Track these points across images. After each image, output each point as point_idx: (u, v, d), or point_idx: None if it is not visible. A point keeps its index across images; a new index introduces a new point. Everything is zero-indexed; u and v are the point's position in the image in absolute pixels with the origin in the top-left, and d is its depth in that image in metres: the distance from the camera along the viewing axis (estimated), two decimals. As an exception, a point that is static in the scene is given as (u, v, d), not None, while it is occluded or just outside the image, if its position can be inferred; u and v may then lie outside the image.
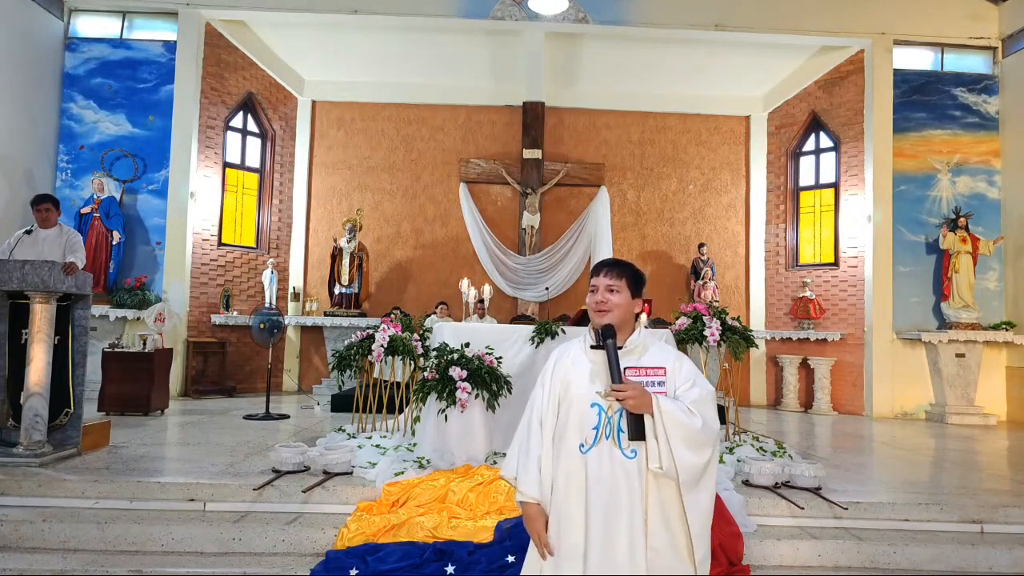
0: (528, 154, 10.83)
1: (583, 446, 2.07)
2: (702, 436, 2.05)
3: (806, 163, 10.82)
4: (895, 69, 9.74)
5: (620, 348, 2.13)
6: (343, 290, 10.25)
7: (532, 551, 2.18)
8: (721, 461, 4.91)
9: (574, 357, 2.21)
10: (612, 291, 2.17)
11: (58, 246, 5.41)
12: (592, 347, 2.16)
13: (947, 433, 7.93)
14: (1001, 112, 9.78)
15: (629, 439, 2.03)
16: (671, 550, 2.04)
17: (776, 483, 4.46)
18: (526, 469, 2.16)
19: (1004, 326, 9.19)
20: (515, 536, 3.64)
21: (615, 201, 11.08)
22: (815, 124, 10.63)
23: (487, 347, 5.20)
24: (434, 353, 5.22)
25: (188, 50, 9.48)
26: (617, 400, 2.03)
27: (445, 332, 5.58)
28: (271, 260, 10.35)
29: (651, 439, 2.02)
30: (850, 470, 5.36)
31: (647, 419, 2.03)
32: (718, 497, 3.94)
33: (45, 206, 5.47)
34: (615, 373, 2.04)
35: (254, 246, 10.60)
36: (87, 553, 3.71)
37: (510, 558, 3.48)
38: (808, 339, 10.09)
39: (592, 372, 2.14)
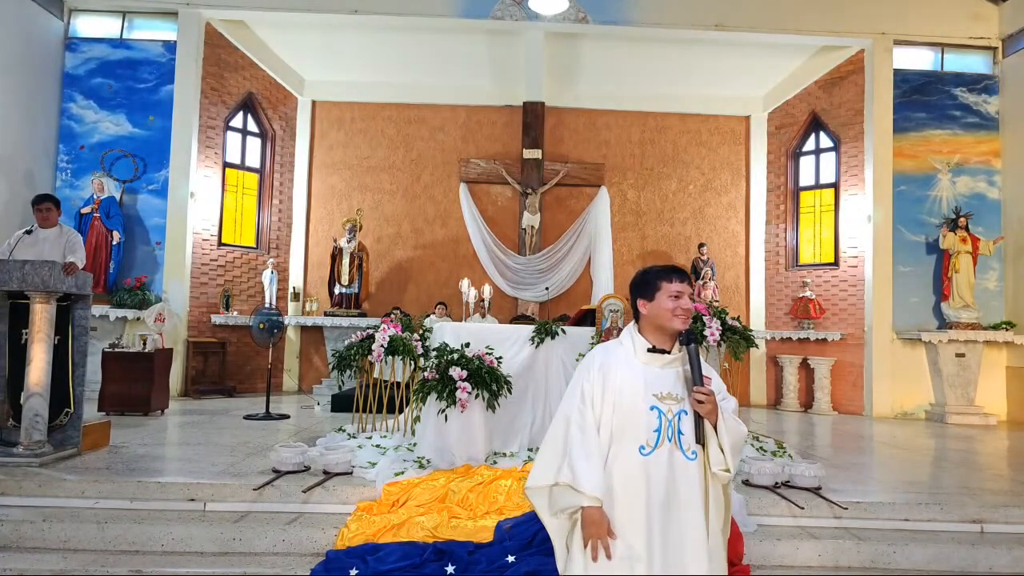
0: (528, 154, 10.83)
1: (643, 448, 2.10)
2: (742, 443, 2.22)
3: (806, 163, 10.81)
4: (895, 69, 9.73)
5: (667, 353, 2.20)
6: (343, 290, 10.25)
7: (576, 551, 2.13)
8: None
9: (625, 361, 2.21)
10: (691, 299, 2.25)
11: (58, 246, 5.40)
12: (649, 350, 2.20)
13: (947, 433, 7.92)
14: (1001, 112, 9.78)
15: (696, 442, 2.10)
16: (721, 548, 2.16)
17: (776, 483, 4.46)
18: (592, 469, 2.08)
19: (1004, 326, 9.19)
20: (515, 536, 3.64)
21: (615, 201, 11.08)
22: (815, 124, 10.62)
23: (487, 347, 5.20)
24: (434, 353, 5.22)
25: (188, 50, 9.48)
26: (697, 403, 2.08)
27: (445, 332, 5.58)
28: (271, 260, 10.35)
29: (713, 446, 2.11)
30: (850, 470, 5.36)
31: (707, 425, 2.11)
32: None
33: (46, 206, 5.47)
34: (698, 376, 2.10)
35: (254, 246, 10.59)
36: (87, 553, 3.71)
37: (510, 558, 3.48)
38: (808, 339, 10.09)
39: (647, 375, 2.17)
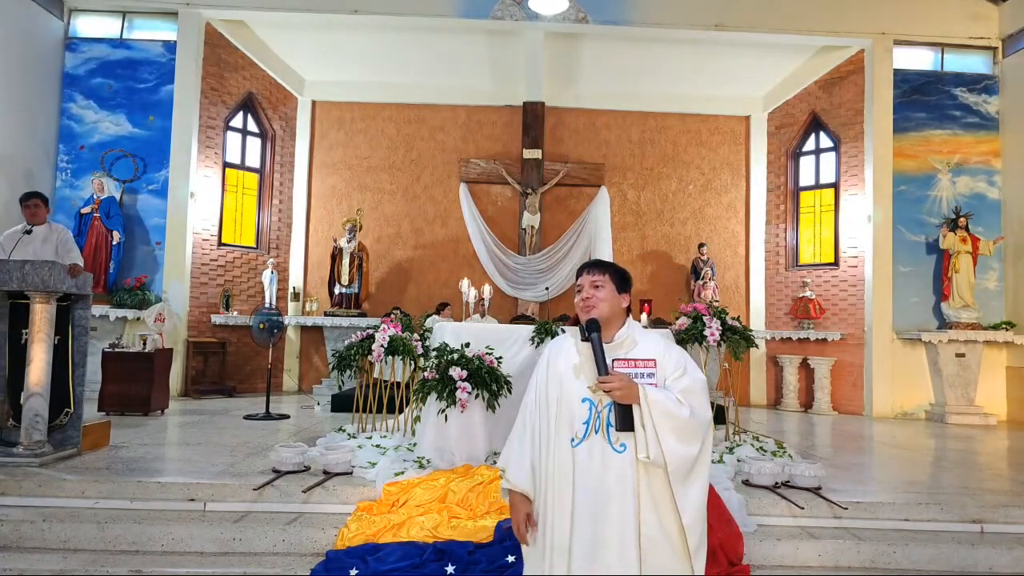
0: (528, 154, 10.83)
1: (573, 440, 2.09)
2: (691, 425, 2.06)
3: (806, 163, 10.81)
4: (895, 69, 9.73)
5: (609, 342, 2.15)
6: (343, 290, 10.25)
7: (529, 551, 2.20)
8: (721, 461, 4.91)
9: (566, 353, 2.22)
10: (597, 287, 2.19)
11: (50, 243, 5.36)
12: (582, 340, 2.19)
13: (947, 433, 7.92)
14: (1001, 112, 9.78)
15: (617, 430, 2.05)
16: (665, 540, 2.04)
17: (776, 483, 4.46)
18: (520, 458, 2.18)
19: (1004, 326, 9.19)
20: (515, 536, 3.63)
21: (615, 201, 11.08)
22: (815, 124, 10.62)
23: (487, 347, 5.20)
24: (434, 353, 5.22)
25: (188, 50, 9.48)
26: (604, 392, 2.04)
27: (445, 332, 5.58)
28: (271, 260, 10.35)
29: (639, 429, 2.03)
30: (850, 470, 5.36)
31: (635, 409, 2.04)
32: (718, 497, 3.95)
33: (33, 202, 5.41)
34: (601, 365, 2.07)
35: (254, 246, 10.59)
36: (87, 553, 3.71)
37: (510, 558, 3.48)
38: (808, 339, 10.09)
39: (581, 367, 2.16)
